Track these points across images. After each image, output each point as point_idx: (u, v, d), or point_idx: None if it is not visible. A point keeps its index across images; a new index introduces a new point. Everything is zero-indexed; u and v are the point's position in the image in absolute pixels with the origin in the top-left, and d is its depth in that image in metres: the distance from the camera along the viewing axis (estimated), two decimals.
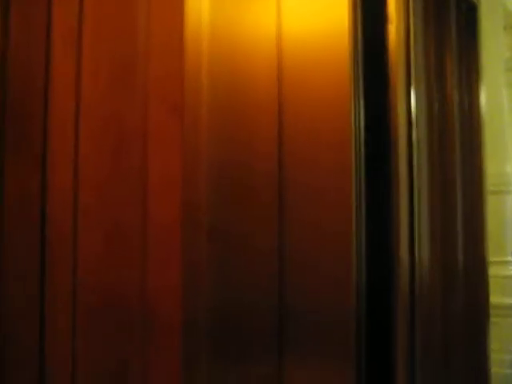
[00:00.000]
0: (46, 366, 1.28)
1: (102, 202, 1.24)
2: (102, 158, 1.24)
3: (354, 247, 1.42)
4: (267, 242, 1.42)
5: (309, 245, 1.43)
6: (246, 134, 1.36)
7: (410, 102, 1.63)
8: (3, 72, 1.30)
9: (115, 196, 1.23)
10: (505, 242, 4.28)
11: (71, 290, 1.26)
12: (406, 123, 1.62)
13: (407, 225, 1.62)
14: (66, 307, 1.26)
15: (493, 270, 3.08)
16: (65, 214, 1.26)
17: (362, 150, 1.47)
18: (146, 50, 1.19)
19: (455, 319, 2.40)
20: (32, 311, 1.29)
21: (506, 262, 4.24)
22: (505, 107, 4.33)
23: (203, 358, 1.21)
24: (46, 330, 1.28)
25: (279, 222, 1.43)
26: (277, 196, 1.43)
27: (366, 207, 1.48)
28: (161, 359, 1.17)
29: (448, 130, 2.32)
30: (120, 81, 1.22)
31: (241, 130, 1.34)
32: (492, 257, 3.06)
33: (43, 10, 1.27)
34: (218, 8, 1.23)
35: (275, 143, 1.43)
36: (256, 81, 1.39)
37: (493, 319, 2.91)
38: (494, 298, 3.12)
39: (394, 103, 1.55)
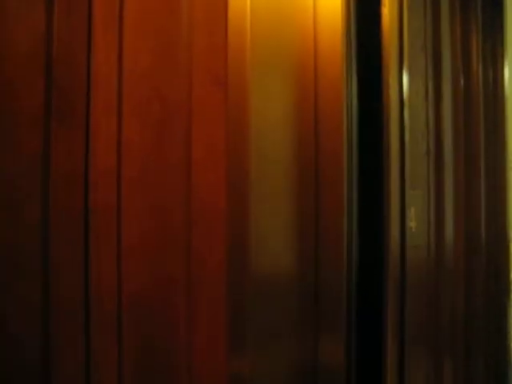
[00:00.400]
0: (92, 349, 1.30)
1: (145, 179, 1.25)
2: (146, 133, 1.25)
3: (345, 220, 1.46)
4: (306, 216, 1.45)
5: (327, 219, 1.48)
6: (287, 107, 1.38)
7: (402, 82, 1.66)
8: (48, 53, 1.32)
9: (159, 172, 1.25)
10: None
11: (116, 271, 1.28)
12: (398, 102, 1.65)
13: (399, 202, 1.65)
14: (111, 288, 1.28)
15: None
16: (109, 191, 1.28)
17: (355, 127, 1.53)
18: (190, 24, 1.20)
19: (476, 295, 2.42)
20: (77, 292, 1.31)
21: None
22: None
23: (249, 333, 1.23)
24: (91, 315, 1.30)
25: (315, 196, 1.46)
26: (314, 170, 1.45)
27: (358, 186, 1.53)
28: (207, 339, 1.20)
29: (473, 105, 2.33)
30: (163, 55, 1.23)
31: (282, 103, 1.36)
32: None
33: None
34: None
35: (312, 116, 1.45)
36: (295, 57, 1.41)
37: None
38: None
39: (387, 83, 1.58)
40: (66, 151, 1.31)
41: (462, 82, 2.23)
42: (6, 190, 1.35)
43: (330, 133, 1.47)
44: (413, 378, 1.82)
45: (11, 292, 1.35)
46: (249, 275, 1.23)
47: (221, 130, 1.17)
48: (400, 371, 1.67)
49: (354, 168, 1.53)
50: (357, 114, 1.55)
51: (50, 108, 1.32)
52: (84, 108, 1.29)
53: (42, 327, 1.33)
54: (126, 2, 1.25)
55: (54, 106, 1.32)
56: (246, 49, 1.19)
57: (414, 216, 1.78)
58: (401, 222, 1.66)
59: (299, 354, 1.44)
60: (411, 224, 1.76)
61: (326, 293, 1.50)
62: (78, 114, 1.30)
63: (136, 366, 1.26)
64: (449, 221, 2.08)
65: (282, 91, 1.37)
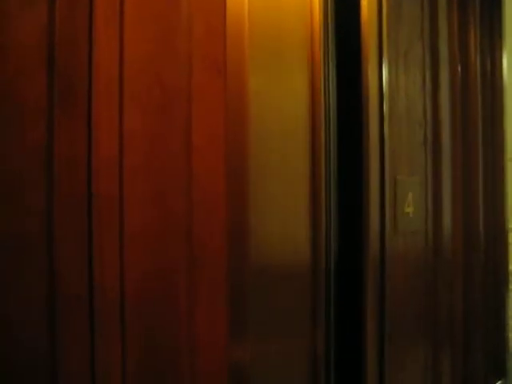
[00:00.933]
0: (96, 336, 1.32)
1: (147, 167, 1.27)
2: (147, 121, 1.27)
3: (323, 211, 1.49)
4: (302, 202, 1.46)
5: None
6: (286, 92, 1.40)
7: (381, 73, 1.68)
8: (50, 43, 1.34)
9: (160, 159, 1.27)
10: None
11: (119, 259, 1.30)
12: (378, 94, 1.67)
13: (378, 193, 1.67)
14: (114, 276, 1.30)
15: None
16: (111, 178, 1.30)
17: (334, 118, 1.54)
18: (189, 12, 1.23)
19: (474, 283, 2.43)
20: (81, 281, 1.33)
21: None
22: None
23: (249, 319, 1.25)
24: (95, 304, 1.32)
25: (311, 180, 1.48)
26: (311, 156, 1.47)
27: (337, 177, 1.56)
28: (208, 325, 1.22)
29: (470, 95, 2.34)
30: (163, 43, 1.25)
31: (281, 88, 1.38)
32: None
33: None
34: None
35: (311, 103, 1.47)
36: (294, 43, 1.43)
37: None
38: None
39: (366, 75, 1.61)
40: (68, 140, 1.33)
41: (459, 71, 2.24)
42: (11, 179, 1.37)
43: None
44: (404, 366, 1.84)
45: (17, 278, 1.37)
46: (249, 261, 1.25)
47: (220, 116, 1.19)
48: (380, 361, 1.69)
49: (331, 159, 1.54)
50: (335, 104, 1.56)
51: (53, 98, 1.34)
52: (86, 97, 1.31)
53: (48, 313, 1.35)
54: None
55: (57, 96, 1.34)
56: (244, 36, 1.20)
57: (412, 202, 1.81)
58: (380, 213, 1.67)
59: (299, 342, 1.46)
60: (408, 210, 1.78)
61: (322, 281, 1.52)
62: (80, 104, 1.32)
63: (139, 353, 1.28)
64: (447, 208, 2.10)
65: (282, 77, 1.39)
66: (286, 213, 1.39)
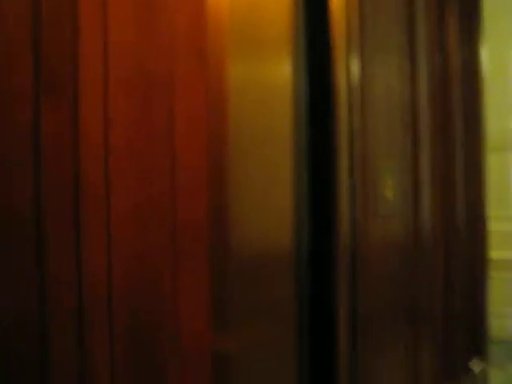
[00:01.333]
0: (83, 321, 1.33)
1: (132, 151, 1.30)
2: (131, 106, 1.29)
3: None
4: (282, 188, 1.49)
5: None
6: (267, 81, 1.43)
7: (349, 65, 1.70)
8: (36, 31, 1.35)
9: (144, 143, 1.29)
10: (507, 197, 4.35)
11: (106, 243, 1.32)
12: (347, 86, 1.69)
13: (348, 184, 1.69)
14: (101, 261, 1.32)
15: (495, 226, 3.15)
16: (97, 162, 1.32)
17: (303, 108, 1.56)
18: (173, 1, 1.25)
19: (456, 265, 2.47)
20: (69, 267, 1.34)
21: (509, 217, 4.31)
22: (510, 63, 4.36)
23: (232, 307, 1.27)
24: (83, 289, 1.33)
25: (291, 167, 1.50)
26: (290, 141, 1.49)
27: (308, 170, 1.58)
28: (191, 311, 1.24)
29: (450, 84, 2.37)
30: (147, 31, 1.28)
31: (260, 76, 1.41)
32: (494, 212, 3.13)
33: None
34: None
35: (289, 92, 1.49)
36: (273, 35, 1.46)
37: (494, 274, 2.99)
38: (496, 253, 3.20)
39: (335, 67, 1.63)
40: (55, 125, 1.35)
41: (438, 59, 2.28)
42: None
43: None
44: (382, 350, 1.87)
45: (5, 265, 1.38)
46: (231, 247, 1.26)
47: (202, 103, 1.21)
48: (354, 347, 1.71)
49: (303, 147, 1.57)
50: (307, 92, 1.57)
51: (39, 83, 1.36)
52: (71, 83, 1.32)
53: (37, 299, 1.36)
54: None
55: (43, 81, 1.35)
56: (225, 25, 1.22)
57: (392, 186, 1.84)
58: (351, 197, 1.70)
59: (281, 328, 1.48)
60: (388, 194, 1.82)
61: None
62: (65, 90, 1.33)
63: (125, 340, 1.30)
64: (426, 193, 2.13)
65: (261, 65, 1.41)
66: (266, 199, 1.41)
